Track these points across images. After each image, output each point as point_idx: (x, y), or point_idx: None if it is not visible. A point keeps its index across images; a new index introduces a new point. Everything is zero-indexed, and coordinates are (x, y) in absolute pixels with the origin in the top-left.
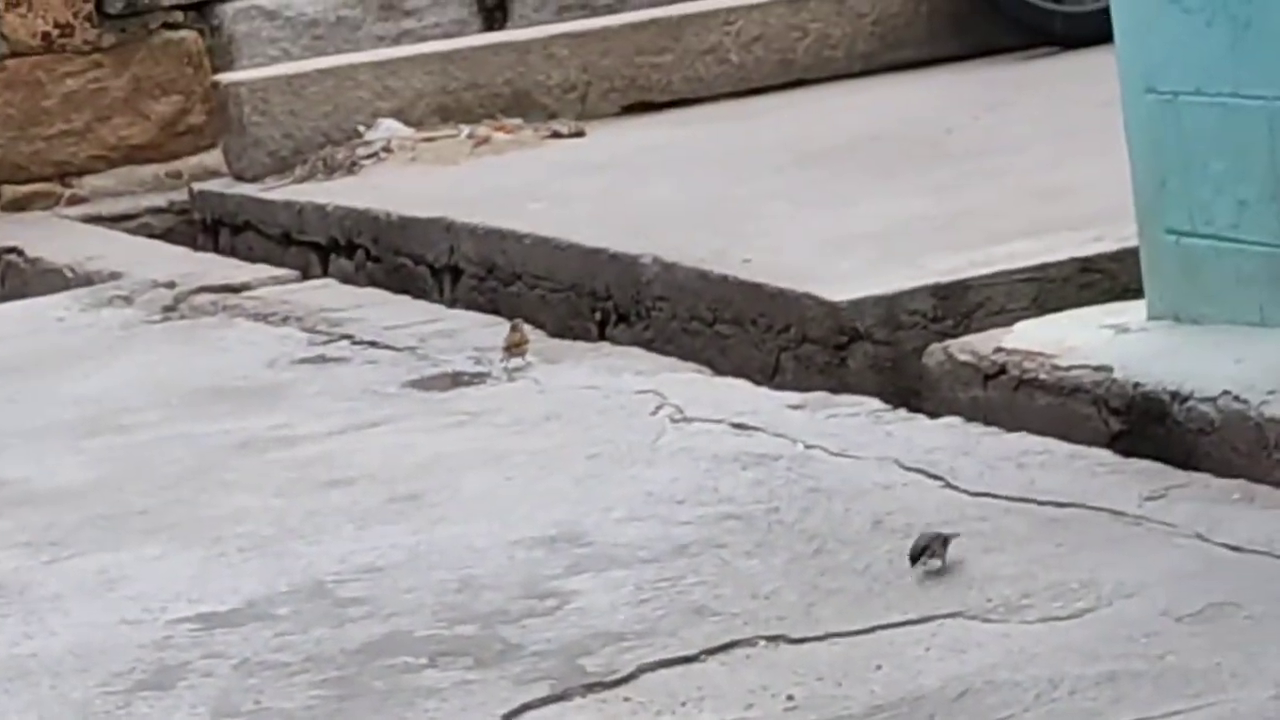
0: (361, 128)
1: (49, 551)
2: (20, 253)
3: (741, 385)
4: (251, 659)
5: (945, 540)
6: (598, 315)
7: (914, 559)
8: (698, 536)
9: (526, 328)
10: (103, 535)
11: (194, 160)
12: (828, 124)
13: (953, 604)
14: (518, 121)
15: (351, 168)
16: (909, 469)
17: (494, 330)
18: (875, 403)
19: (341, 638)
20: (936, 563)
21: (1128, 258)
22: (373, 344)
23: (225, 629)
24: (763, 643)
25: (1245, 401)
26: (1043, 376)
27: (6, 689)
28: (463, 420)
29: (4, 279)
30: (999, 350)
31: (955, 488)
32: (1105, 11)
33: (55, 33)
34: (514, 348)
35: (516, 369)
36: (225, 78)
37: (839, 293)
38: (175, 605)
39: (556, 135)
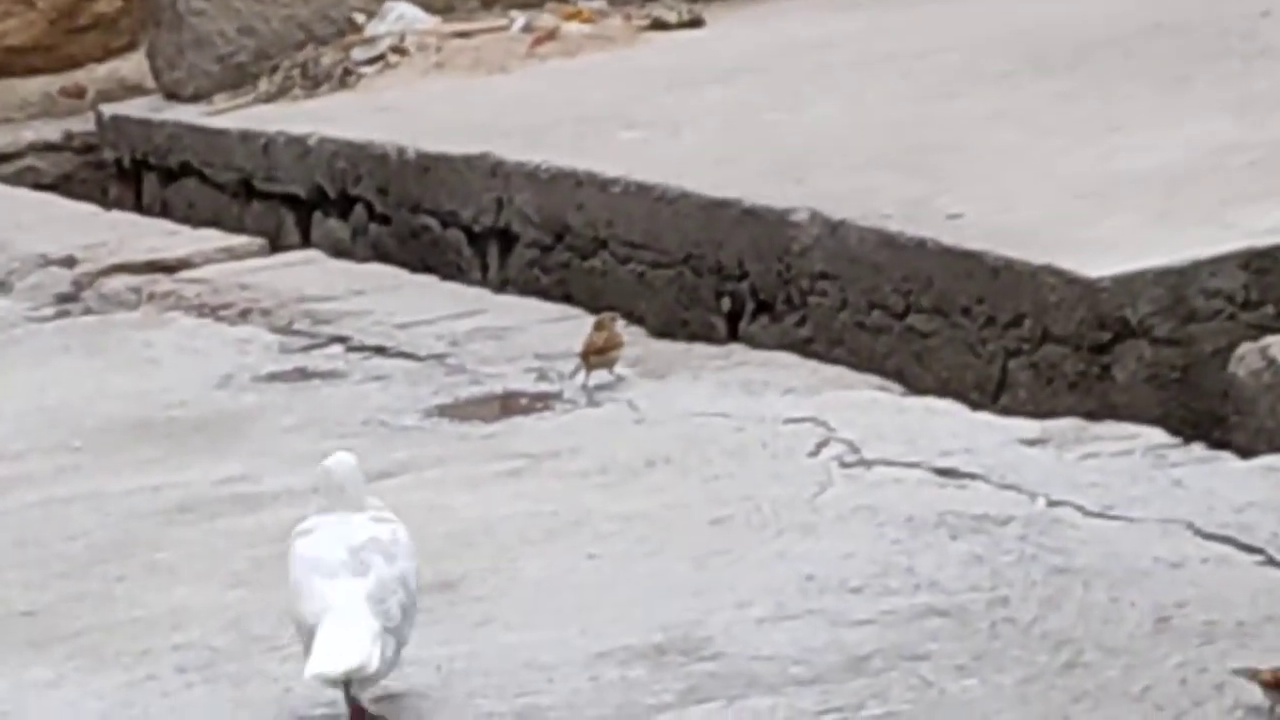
0: (360, 16)
1: None
2: None
3: (949, 409)
4: None
5: None
6: (726, 303)
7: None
8: (883, 644)
9: (619, 324)
10: None
11: (102, 70)
12: (1075, 6)
13: None
14: (598, 5)
15: (345, 78)
16: (1209, 537)
17: (566, 328)
18: (1156, 434)
19: None
20: None
21: None
22: (380, 350)
23: None
24: None
25: None
26: None
27: None
28: (519, 467)
29: None
30: None
31: None
32: None
33: None
34: (598, 354)
35: (601, 387)
36: None
37: (1098, 265)
38: None
39: (660, 26)
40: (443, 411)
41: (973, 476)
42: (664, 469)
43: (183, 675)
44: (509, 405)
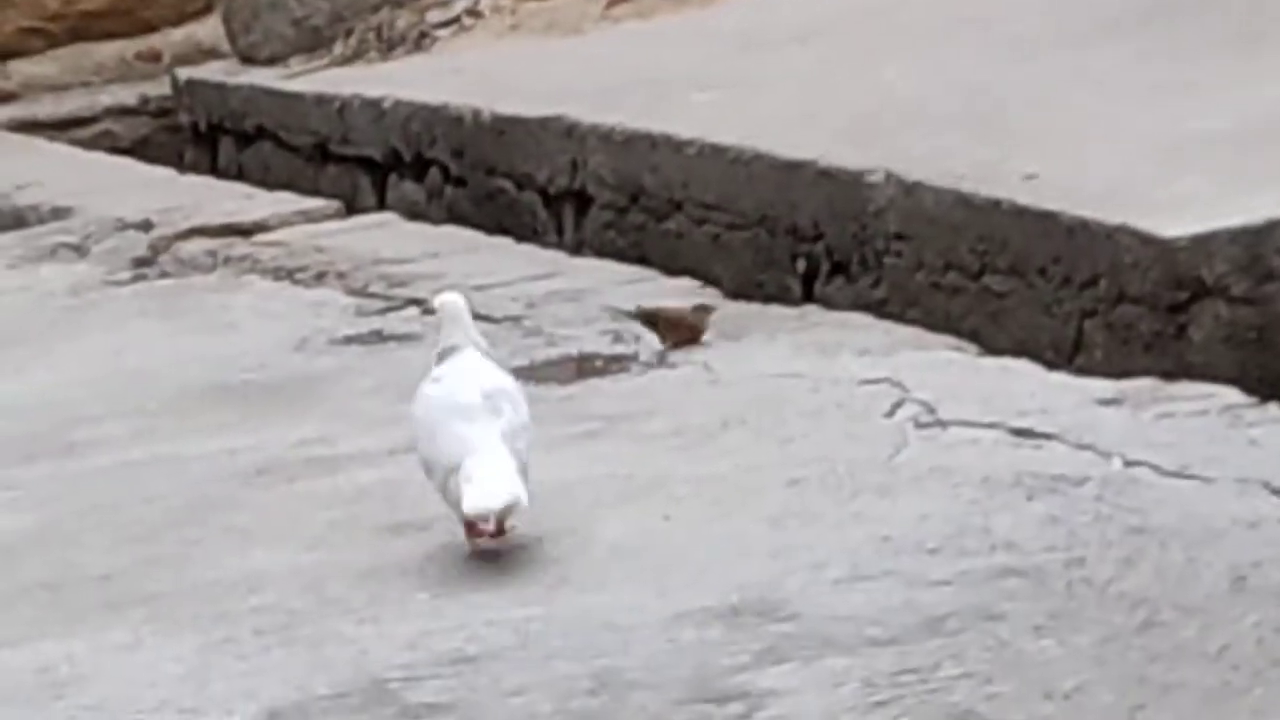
0: None
1: None
2: None
3: (1025, 369)
4: None
5: None
6: (802, 264)
7: None
8: (960, 604)
9: (711, 314)
10: (44, 614)
11: (178, 34)
12: None
13: None
14: None
15: (420, 41)
16: None
17: (641, 290)
18: (1233, 394)
19: None
20: None
21: None
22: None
23: None
24: None
25: None
26: None
27: None
28: (596, 429)
29: None
30: None
31: None
32: None
33: None
34: (679, 342)
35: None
36: None
37: (1174, 224)
38: None
39: None
40: (518, 374)
41: (1048, 437)
42: (739, 430)
43: (260, 638)
44: (585, 367)
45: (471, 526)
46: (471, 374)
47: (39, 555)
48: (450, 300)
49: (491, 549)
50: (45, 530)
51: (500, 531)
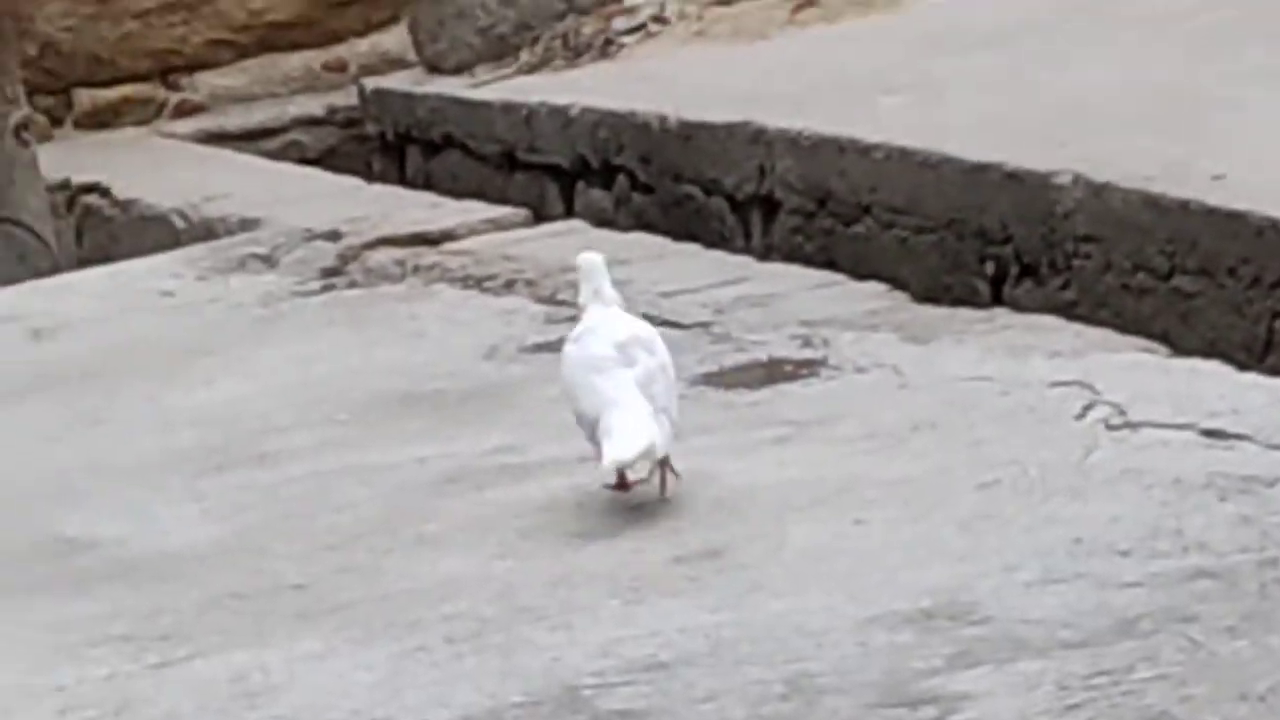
0: None
1: (157, 650)
2: (104, 191)
3: (1215, 370)
4: None
5: None
6: (990, 267)
7: None
8: (1153, 606)
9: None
10: (237, 623)
11: (365, 44)
12: None
13: None
14: None
15: (606, 48)
16: None
17: (830, 294)
18: None
19: None
20: None
21: None
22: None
23: None
24: None
25: None
26: None
27: None
28: (785, 434)
29: (81, 232)
30: None
31: None
32: None
33: None
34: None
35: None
36: None
37: None
38: None
39: None
40: (708, 380)
41: (1240, 437)
42: (929, 434)
43: (452, 646)
44: (774, 372)
45: (621, 478)
46: (605, 328)
47: (231, 565)
48: (587, 258)
49: (625, 496)
50: (237, 540)
51: (626, 485)
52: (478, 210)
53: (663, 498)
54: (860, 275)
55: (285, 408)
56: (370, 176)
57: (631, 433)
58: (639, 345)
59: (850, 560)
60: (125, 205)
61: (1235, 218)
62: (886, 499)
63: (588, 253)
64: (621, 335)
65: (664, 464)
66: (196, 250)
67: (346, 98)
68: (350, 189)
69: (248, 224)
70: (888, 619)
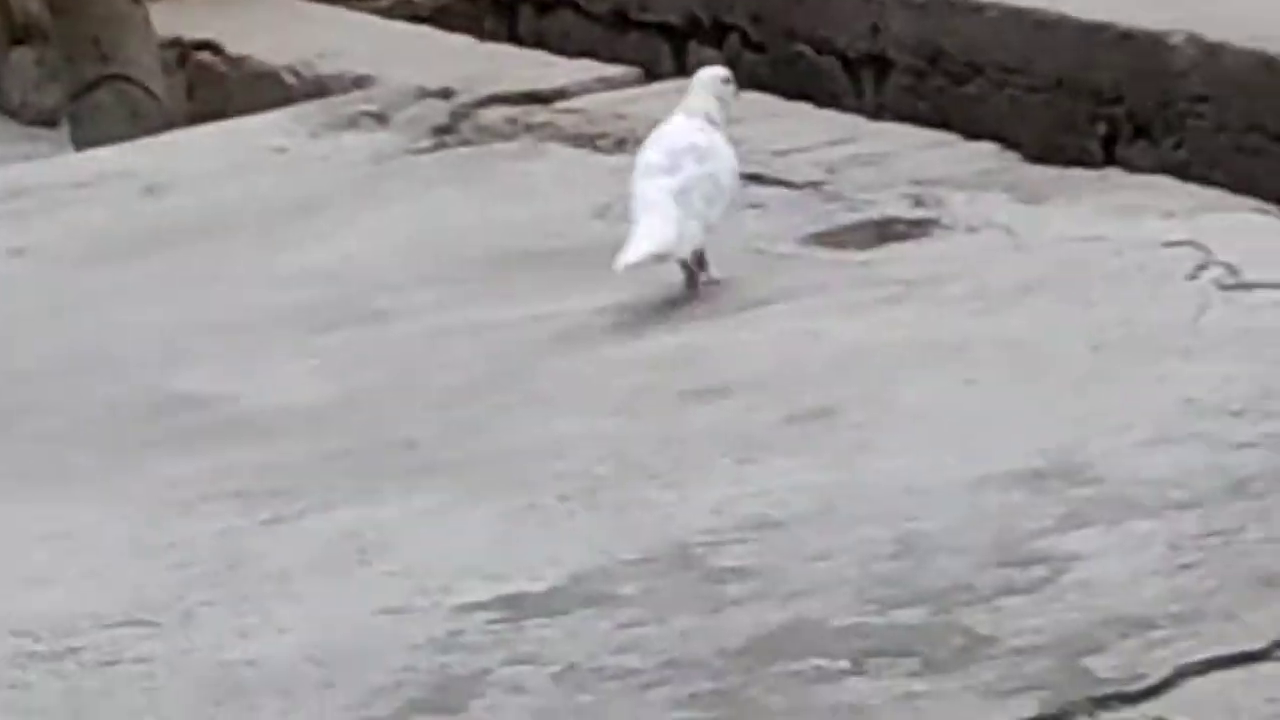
0: None
1: (270, 506)
2: (216, 48)
3: None
4: (582, 665)
5: None
6: (1102, 127)
7: None
8: (1265, 467)
9: None
10: (350, 481)
11: None
12: None
13: None
14: None
15: None
16: None
17: (941, 154)
18: None
19: (718, 631)
20: None
21: None
22: (756, 178)
23: (541, 620)
24: None
25: None
26: None
27: (213, 715)
28: (896, 294)
29: (192, 88)
30: None
31: None
32: None
33: None
34: None
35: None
36: None
37: None
38: (463, 585)
39: None
40: (819, 239)
41: None
42: (1041, 294)
43: (564, 504)
44: (885, 232)
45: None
46: (668, 135)
47: (343, 422)
48: (701, 71)
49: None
50: (349, 397)
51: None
52: (590, 69)
53: (692, 294)
54: (972, 135)
55: (397, 266)
56: (482, 35)
57: (643, 235)
58: (691, 154)
59: (961, 420)
60: (237, 62)
61: None
62: (997, 359)
63: (710, 67)
64: (680, 143)
65: (687, 264)
66: (308, 108)
67: None
68: (462, 47)
69: (360, 81)
70: (999, 479)
